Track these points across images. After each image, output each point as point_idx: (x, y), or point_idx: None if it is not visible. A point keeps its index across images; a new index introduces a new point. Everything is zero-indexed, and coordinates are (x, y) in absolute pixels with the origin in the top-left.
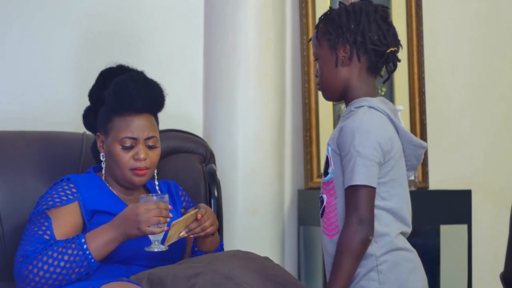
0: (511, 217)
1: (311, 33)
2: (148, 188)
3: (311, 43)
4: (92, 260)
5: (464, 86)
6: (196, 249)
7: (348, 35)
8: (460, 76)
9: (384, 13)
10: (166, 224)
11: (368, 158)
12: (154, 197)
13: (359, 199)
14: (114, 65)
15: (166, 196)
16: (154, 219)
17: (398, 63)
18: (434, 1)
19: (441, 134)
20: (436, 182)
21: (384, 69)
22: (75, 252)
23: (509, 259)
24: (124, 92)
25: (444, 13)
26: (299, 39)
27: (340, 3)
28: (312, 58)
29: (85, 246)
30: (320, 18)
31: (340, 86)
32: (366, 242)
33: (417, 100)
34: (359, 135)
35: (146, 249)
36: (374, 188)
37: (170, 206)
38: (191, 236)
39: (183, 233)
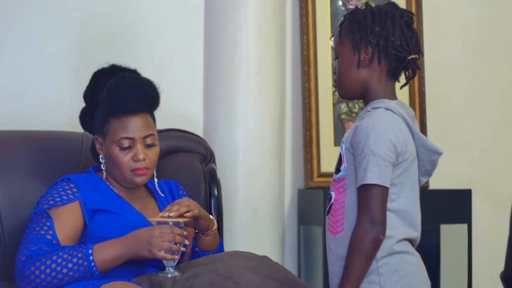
0: (511, 217)
1: (311, 33)
2: (149, 187)
3: (332, 39)
4: (96, 273)
5: (464, 86)
6: (196, 249)
7: (372, 37)
8: (460, 76)
9: (409, 19)
10: (177, 253)
11: (381, 158)
12: (170, 222)
13: (371, 199)
14: (106, 65)
15: (182, 223)
16: (167, 244)
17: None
18: (434, 1)
19: (441, 134)
20: (436, 182)
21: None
22: (80, 262)
23: (509, 259)
24: (117, 95)
25: (444, 13)
26: (299, 39)
27: (366, 3)
28: (312, 57)
29: (91, 258)
30: (345, 16)
31: (358, 87)
32: (377, 242)
33: (417, 100)
34: (374, 134)
35: (160, 274)
36: (387, 188)
37: (185, 233)
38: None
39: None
